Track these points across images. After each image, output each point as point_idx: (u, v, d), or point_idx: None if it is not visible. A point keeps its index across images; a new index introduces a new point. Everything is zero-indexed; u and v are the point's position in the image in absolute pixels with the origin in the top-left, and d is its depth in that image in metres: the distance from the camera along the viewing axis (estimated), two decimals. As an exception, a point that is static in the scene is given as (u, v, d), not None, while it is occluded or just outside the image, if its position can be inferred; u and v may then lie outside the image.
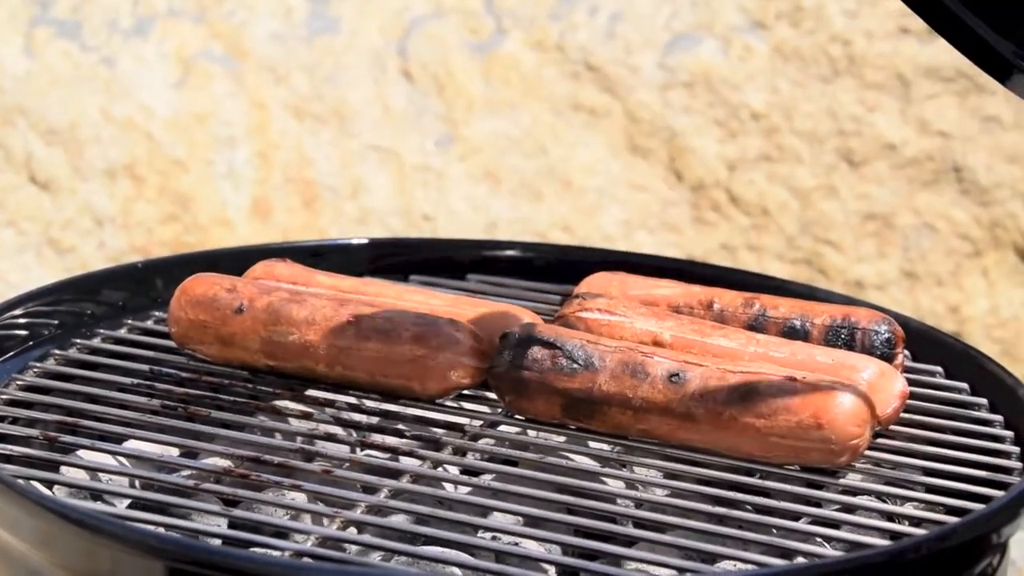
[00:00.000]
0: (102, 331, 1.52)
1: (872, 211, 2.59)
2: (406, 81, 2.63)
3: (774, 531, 1.21)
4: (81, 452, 1.31)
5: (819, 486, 1.27)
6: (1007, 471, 1.29)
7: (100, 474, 1.29)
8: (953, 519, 1.19)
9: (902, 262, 2.59)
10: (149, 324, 1.55)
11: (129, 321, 1.55)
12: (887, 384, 1.32)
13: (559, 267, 1.67)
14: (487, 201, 2.63)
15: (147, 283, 1.58)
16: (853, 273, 2.59)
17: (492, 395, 1.37)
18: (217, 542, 1.18)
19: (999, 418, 1.38)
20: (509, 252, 1.72)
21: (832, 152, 2.59)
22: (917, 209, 2.58)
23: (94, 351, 1.49)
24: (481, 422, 1.36)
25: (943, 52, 2.55)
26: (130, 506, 1.26)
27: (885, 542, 1.17)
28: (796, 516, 1.24)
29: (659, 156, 2.62)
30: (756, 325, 1.43)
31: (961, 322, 2.51)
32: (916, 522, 1.21)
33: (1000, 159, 2.55)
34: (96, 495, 1.28)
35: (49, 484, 1.26)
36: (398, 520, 1.23)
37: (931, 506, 1.24)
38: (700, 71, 2.61)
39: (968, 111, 2.55)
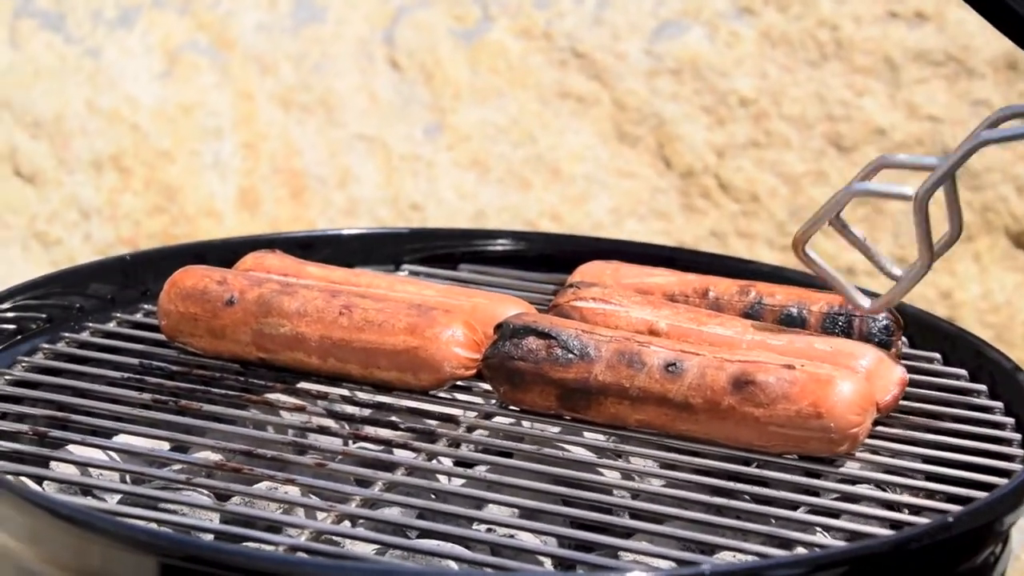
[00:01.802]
0: (91, 324, 1.51)
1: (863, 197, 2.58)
2: (393, 70, 2.61)
3: (772, 521, 1.20)
4: (71, 447, 1.30)
5: (818, 475, 1.26)
6: (1008, 458, 1.28)
7: (91, 469, 1.28)
8: (955, 507, 1.18)
9: (893, 247, 2.58)
10: (138, 317, 1.53)
11: (118, 314, 1.53)
12: (886, 371, 1.31)
13: (552, 256, 1.65)
14: (475, 190, 2.62)
15: (136, 276, 1.57)
16: (844, 259, 2.58)
17: (486, 386, 1.36)
18: (209, 537, 1.17)
19: (999, 404, 1.37)
20: (501, 242, 1.70)
21: (821, 137, 2.58)
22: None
23: (83, 345, 1.47)
24: (476, 413, 1.35)
25: (932, 36, 2.54)
26: (121, 501, 1.24)
27: (886, 531, 1.16)
28: (795, 506, 1.23)
29: (647, 143, 2.61)
30: (752, 313, 1.42)
31: (953, 307, 2.51)
32: (917, 511, 1.20)
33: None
34: (86, 490, 1.26)
35: (39, 480, 1.25)
36: (392, 513, 1.21)
37: (932, 494, 1.23)
38: (687, 58, 2.60)
39: (957, 95, 2.54)
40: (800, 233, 1.33)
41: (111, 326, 1.51)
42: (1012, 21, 1.22)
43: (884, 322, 1.39)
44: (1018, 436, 1.32)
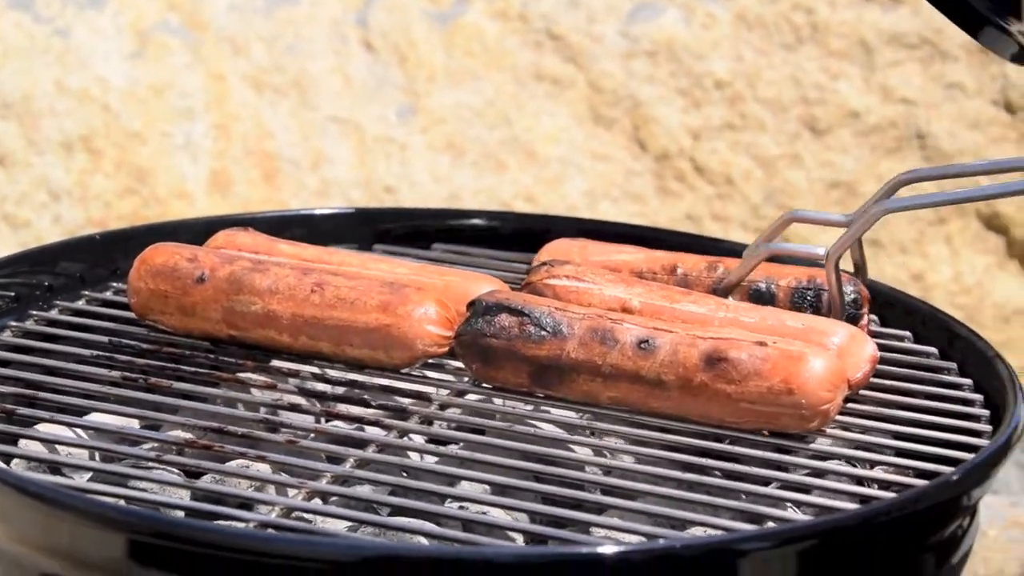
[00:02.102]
0: (60, 303, 1.50)
1: (836, 179, 2.59)
2: (367, 52, 2.60)
3: (743, 496, 1.20)
4: (40, 425, 1.29)
5: (789, 451, 1.27)
6: (977, 434, 1.29)
7: (59, 447, 1.27)
8: (923, 482, 1.18)
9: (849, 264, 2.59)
10: (108, 295, 1.52)
11: (87, 293, 1.52)
12: (858, 348, 1.31)
13: (525, 235, 1.65)
14: (450, 172, 2.61)
15: (105, 254, 1.56)
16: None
17: (459, 364, 1.36)
18: (180, 514, 1.16)
19: (968, 381, 1.38)
20: (474, 221, 1.70)
21: (796, 120, 2.59)
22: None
23: (52, 323, 1.46)
24: (448, 391, 1.34)
25: (906, 19, 2.55)
26: (91, 479, 1.24)
27: (855, 506, 1.17)
28: (766, 481, 1.23)
29: (623, 126, 2.61)
30: (720, 289, 1.42)
31: (925, 289, 2.52)
32: (886, 486, 1.21)
33: (963, 126, 2.56)
34: (55, 468, 1.25)
35: (7, 458, 1.24)
36: (364, 491, 1.21)
37: (901, 470, 1.24)
38: (663, 40, 2.59)
39: (931, 78, 2.55)
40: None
41: (80, 304, 1.50)
42: (961, 11, 1.23)
43: (852, 295, 1.40)
44: (986, 412, 1.32)
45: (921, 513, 1.13)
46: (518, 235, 1.67)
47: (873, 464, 1.26)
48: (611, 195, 2.62)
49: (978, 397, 1.35)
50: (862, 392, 1.34)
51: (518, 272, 1.61)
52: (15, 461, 1.25)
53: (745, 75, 2.59)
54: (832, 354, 1.26)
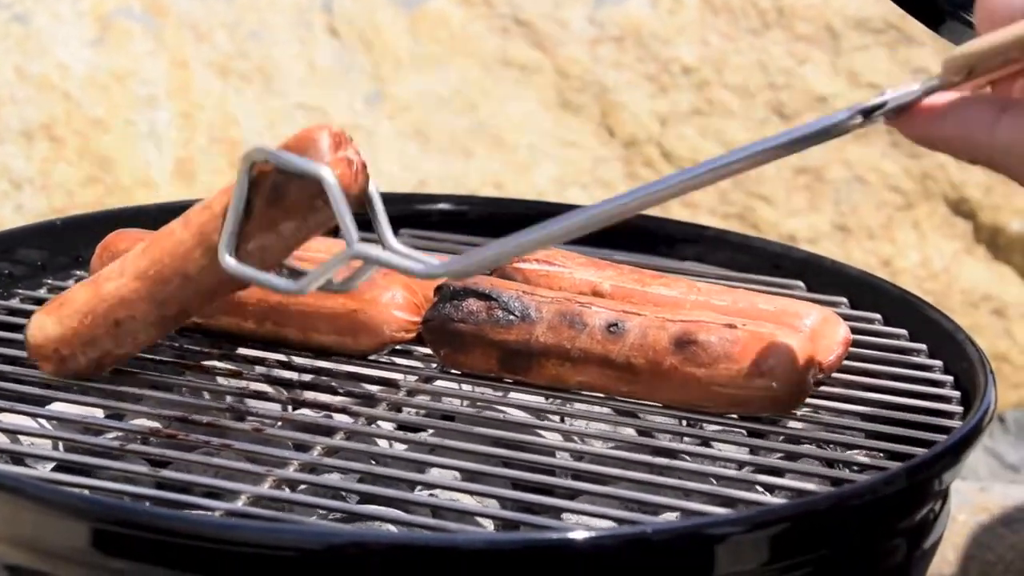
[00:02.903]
0: (21, 291, 1.47)
1: (803, 165, 2.59)
2: (332, 38, 2.58)
3: (715, 481, 1.20)
4: (1, 415, 1.27)
5: (761, 435, 1.26)
6: (948, 415, 1.28)
7: (21, 437, 1.25)
8: (896, 464, 1.18)
9: (834, 215, 2.59)
10: (70, 283, 1.50)
11: (49, 281, 1.50)
12: (830, 331, 1.31)
13: (492, 220, 1.64)
14: (417, 159, 2.59)
15: (66, 241, 1.53)
16: (786, 227, 2.59)
17: (427, 350, 1.34)
18: (145, 504, 1.14)
19: (938, 363, 1.38)
20: (442, 205, 1.69)
21: (763, 106, 2.59)
22: (848, 162, 2.59)
23: (12, 312, 1.44)
24: (416, 377, 1.33)
25: (872, 4, 2.55)
26: (54, 469, 1.22)
27: (828, 489, 1.16)
28: (738, 465, 1.23)
29: (590, 112, 2.60)
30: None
31: (894, 274, 2.52)
32: (859, 469, 1.20)
33: (930, 111, 2.56)
34: (17, 459, 1.23)
35: (-33, 449, 1.22)
36: (332, 478, 1.19)
37: (873, 453, 1.24)
38: (630, 25, 2.59)
39: (898, 63, 2.55)
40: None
41: (42, 292, 1.48)
42: (921, 5, 1.23)
43: None
44: (957, 394, 1.32)
45: (893, 496, 1.13)
46: (485, 220, 1.66)
47: (845, 447, 1.26)
48: (580, 181, 2.61)
49: (948, 379, 1.35)
50: (833, 374, 1.33)
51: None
52: (-24, 452, 1.23)
53: (712, 60, 2.58)
54: (803, 336, 1.25)
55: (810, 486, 1.17)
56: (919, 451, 1.20)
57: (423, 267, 1.13)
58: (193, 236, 1.21)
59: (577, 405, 1.29)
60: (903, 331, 1.44)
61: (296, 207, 1.15)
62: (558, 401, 1.31)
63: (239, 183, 1.15)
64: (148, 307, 1.23)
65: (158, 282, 1.22)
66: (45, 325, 1.26)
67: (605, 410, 1.29)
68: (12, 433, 1.25)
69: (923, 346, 1.41)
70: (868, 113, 1.07)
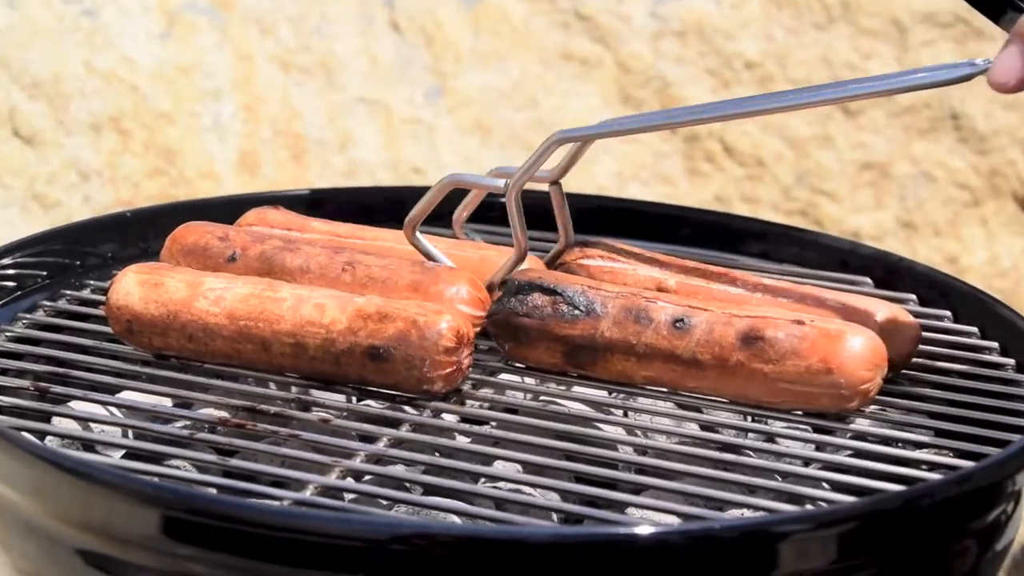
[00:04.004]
0: (92, 282, 1.49)
1: (869, 160, 2.57)
2: (394, 32, 2.59)
3: (778, 477, 1.19)
4: (73, 403, 1.28)
5: (827, 431, 1.25)
6: (1020, 415, 1.27)
7: (92, 425, 1.26)
8: (967, 463, 1.17)
9: (899, 212, 2.57)
10: (139, 274, 1.51)
11: (118, 271, 1.52)
12: (901, 328, 1.29)
13: (548, 216, 1.63)
14: (477, 153, 2.60)
15: (136, 232, 1.55)
16: (849, 223, 2.56)
17: (491, 342, 1.34)
18: (213, 492, 1.15)
19: (1011, 361, 1.36)
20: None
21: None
22: (914, 158, 2.56)
23: (84, 302, 1.46)
24: (480, 370, 1.33)
25: (940, -2, 2.52)
26: (124, 456, 1.23)
27: (897, 487, 1.15)
28: (804, 462, 1.22)
29: (651, 106, 2.59)
30: (407, 221, 1.40)
31: (959, 272, 2.49)
32: (928, 467, 1.19)
33: (998, 106, 2.52)
34: (88, 445, 1.25)
35: (41, 435, 1.23)
36: (398, 470, 1.20)
37: (943, 451, 1.22)
38: (692, 20, 2.57)
39: (965, 57, 2.52)
40: (408, 219, 1.41)
41: (110, 283, 1.49)
42: None
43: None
44: (1030, 393, 1.30)
45: (965, 496, 1.11)
46: (550, 214, 1.66)
47: (914, 445, 1.24)
48: (640, 177, 2.60)
49: (1020, 377, 1.33)
50: (902, 372, 1.32)
51: (549, 251, 1.60)
52: (48, 438, 1.24)
53: (775, 55, 2.56)
54: (872, 333, 1.24)
55: (878, 484, 1.16)
56: (992, 451, 1.19)
57: None
58: (288, 336, 1.25)
59: (640, 400, 1.29)
60: (974, 328, 1.42)
61: None
62: (621, 395, 1.31)
63: (434, 191, 1.43)
64: (224, 345, 1.27)
65: (243, 339, 1.27)
66: (132, 293, 1.31)
67: (668, 405, 1.28)
68: (83, 420, 1.26)
69: (995, 344, 1.39)
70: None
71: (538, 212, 1.66)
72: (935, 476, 1.16)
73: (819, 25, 2.55)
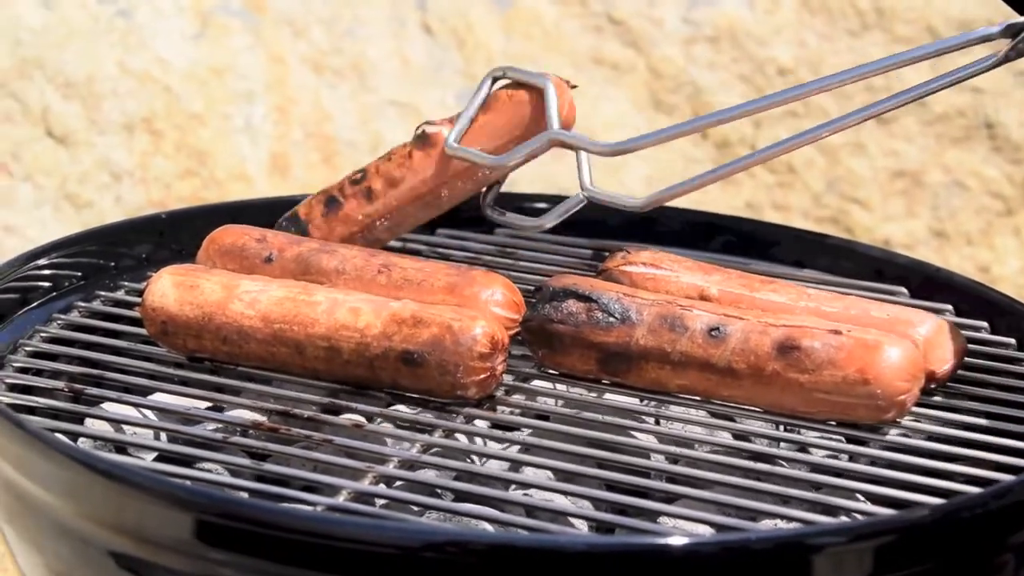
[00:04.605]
0: (126, 283, 1.50)
1: (901, 168, 2.55)
2: (426, 35, 2.59)
3: (812, 487, 1.18)
4: (106, 404, 1.29)
5: (862, 442, 1.24)
6: (1058, 428, 1.25)
7: (125, 427, 1.27)
8: (1005, 476, 1.15)
9: (931, 220, 2.55)
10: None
11: (152, 273, 1.52)
12: (945, 340, 1.28)
13: (588, 222, 1.63)
14: (508, 157, 2.59)
15: (170, 234, 1.55)
16: (881, 232, 2.55)
17: (524, 348, 1.34)
18: (246, 496, 1.15)
19: (1048, 374, 1.35)
20: (540, 205, 1.68)
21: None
22: (947, 166, 2.54)
23: (118, 303, 1.46)
24: (513, 376, 1.33)
25: (974, 5, 2.50)
26: (156, 459, 1.23)
27: (934, 500, 1.14)
28: (839, 472, 1.21)
29: (683, 112, 2.58)
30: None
31: (992, 282, 2.47)
32: (965, 480, 1.18)
33: (1034, 115, 2.50)
34: (121, 447, 1.25)
35: (74, 436, 1.24)
36: (429, 475, 1.20)
37: (980, 464, 1.21)
38: (725, 25, 2.56)
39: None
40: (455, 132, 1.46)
41: (145, 284, 1.50)
42: None
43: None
44: (1068, 407, 1.29)
45: (1004, 510, 1.10)
46: (581, 221, 1.65)
47: (950, 457, 1.23)
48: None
49: (1058, 391, 1.32)
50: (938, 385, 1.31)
51: (580, 257, 1.59)
52: (81, 440, 1.25)
53: (808, 61, 2.55)
54: (909, 343, 1.23)
55: (914, 496, 1.15)
56: (1029, 464, 1.17)
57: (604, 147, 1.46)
58: (322, 339, 1.26)
59: (672, 408, 1.28)
60: (1011, 340, 1.41)
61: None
62: (653, 403, 1.30)
63: (479, 91, 1.47)
64: (258, 347, 1.27)
65: (277, 342, 1.26)
66: (167, 295, 1.31)
67: (701, 413, 1.28)
68: (117, 422, 1.26)
69: (1032, 356, 1.38)
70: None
71: (583, 221, 1.65)
72: (973, 489, 1.14)
73: (853, 32, 2.54)
